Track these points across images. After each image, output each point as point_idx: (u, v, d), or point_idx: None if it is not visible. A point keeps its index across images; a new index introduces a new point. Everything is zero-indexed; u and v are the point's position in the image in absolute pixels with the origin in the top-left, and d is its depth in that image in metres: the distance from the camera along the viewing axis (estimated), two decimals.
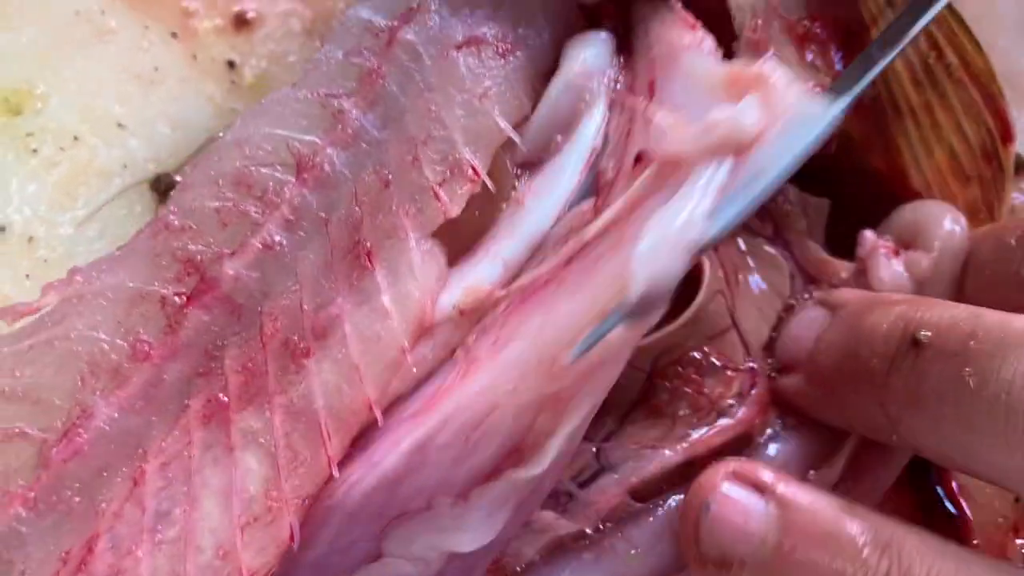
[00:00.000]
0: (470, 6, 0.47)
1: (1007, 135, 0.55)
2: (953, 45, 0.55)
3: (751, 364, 0.49)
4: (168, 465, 0.42)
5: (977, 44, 0.55)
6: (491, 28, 0.46)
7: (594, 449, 0.48)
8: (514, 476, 0.43)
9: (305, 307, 0.43)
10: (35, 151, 0.57)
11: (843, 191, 0.55)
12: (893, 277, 0.50)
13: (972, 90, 0.55)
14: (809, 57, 0.54)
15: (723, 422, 0.48)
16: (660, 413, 0.49)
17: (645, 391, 0.49)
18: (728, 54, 0.49)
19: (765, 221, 0.52)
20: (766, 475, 0.43)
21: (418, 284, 0.43)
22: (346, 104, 0.45)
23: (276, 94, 0.46)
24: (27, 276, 0.54)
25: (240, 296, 0.43)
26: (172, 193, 0.55)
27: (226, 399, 0.42)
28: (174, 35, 0.60)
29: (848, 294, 0.49)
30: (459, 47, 0.45)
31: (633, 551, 0.47)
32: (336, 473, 0.42)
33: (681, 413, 0.48)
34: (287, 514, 0.41)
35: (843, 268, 0.52)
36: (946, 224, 0.51)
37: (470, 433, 0.44)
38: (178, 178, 0.56)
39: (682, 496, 0.46)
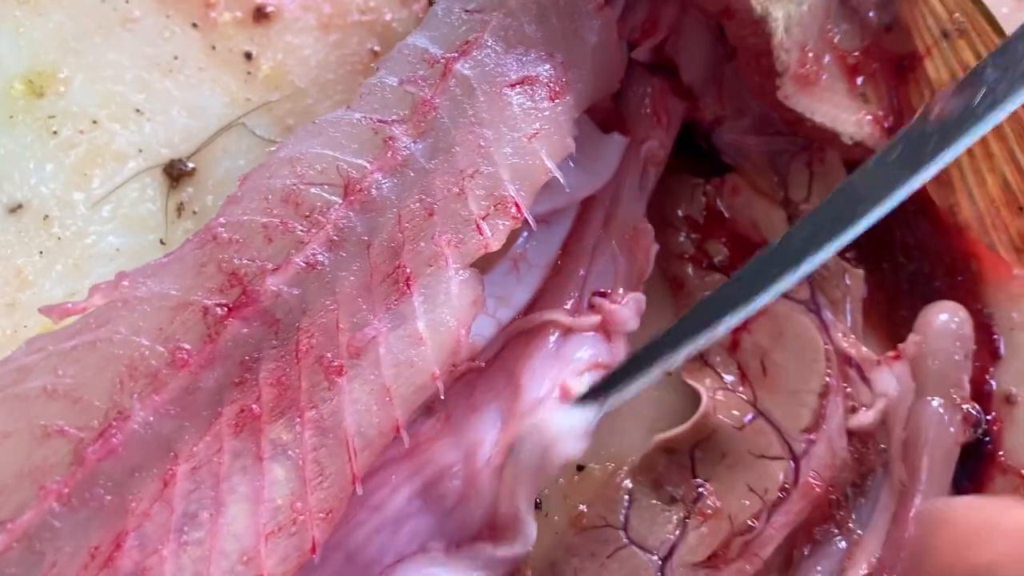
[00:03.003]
0: (525, 45, 0.48)
1: None
2: None
3: (790, 445, 0.51)
4: (198, 470, 0.43)
5: None
6: (545, 69, 0.46)
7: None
8: (496, 550, 0.47)
9: (341, 326, 0.44)
10: (55, 132, 0.58)
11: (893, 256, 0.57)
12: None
13: None
14: (860, 85, 0.55)
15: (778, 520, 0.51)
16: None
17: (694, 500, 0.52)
18: (772, 88, 0.52)
19: (801, 284, 0.53)
20: None
21: (454, 312, 0.44)
22: (397, 131, 0.46)
23: (330, 115, 0.47)
24: (40, 253, 0.55)
25: (279, 311, 0.44)
26: (209, 205, 0.57)
27: (258, 410, 0.43)
28: (194, 25, 0.61)
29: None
30: (512, 85, 0.46)
31: None
32: (359, 490, 0.43)
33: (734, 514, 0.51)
34: (311, 526, 0.43)
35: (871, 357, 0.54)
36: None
37: (461, 487, 0.47)
38: (191, 164, 0.58)
39: None
